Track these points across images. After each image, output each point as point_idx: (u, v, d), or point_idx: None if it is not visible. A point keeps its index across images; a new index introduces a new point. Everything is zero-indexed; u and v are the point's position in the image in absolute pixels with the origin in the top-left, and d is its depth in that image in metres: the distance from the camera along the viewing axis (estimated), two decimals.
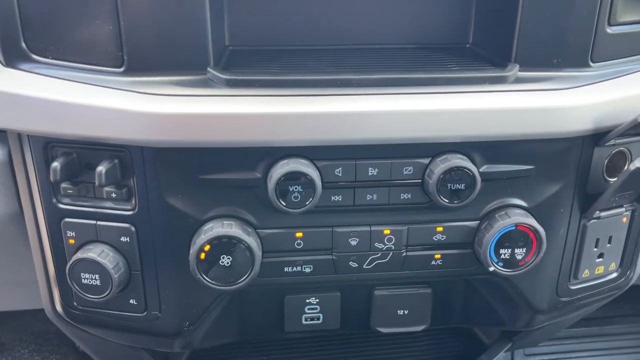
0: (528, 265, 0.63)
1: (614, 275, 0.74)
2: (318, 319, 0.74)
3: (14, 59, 0.57)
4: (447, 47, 0.69)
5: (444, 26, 0.69)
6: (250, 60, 0.62)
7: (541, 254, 0.63)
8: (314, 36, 0.67)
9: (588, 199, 0.66)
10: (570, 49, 0.61)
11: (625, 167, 0.61)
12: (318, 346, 0.99)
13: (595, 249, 0.70)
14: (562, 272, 0.70)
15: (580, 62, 0.62)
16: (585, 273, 0.71)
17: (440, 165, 0.58)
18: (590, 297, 0.75)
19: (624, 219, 0.69)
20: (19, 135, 0.60)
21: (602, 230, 0.69)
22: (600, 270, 0.72)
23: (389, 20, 0.68)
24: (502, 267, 0.63)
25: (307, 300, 0.73)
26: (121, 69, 0.56)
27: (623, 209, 0.68)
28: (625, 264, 0.74)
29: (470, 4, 0.67)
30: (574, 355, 1.36)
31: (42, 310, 0.72)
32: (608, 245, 0.70)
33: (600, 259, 0.71)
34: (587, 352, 1.35)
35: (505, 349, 0.93)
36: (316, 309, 0.74)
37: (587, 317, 1.44)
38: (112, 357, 0.84)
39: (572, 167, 0.64)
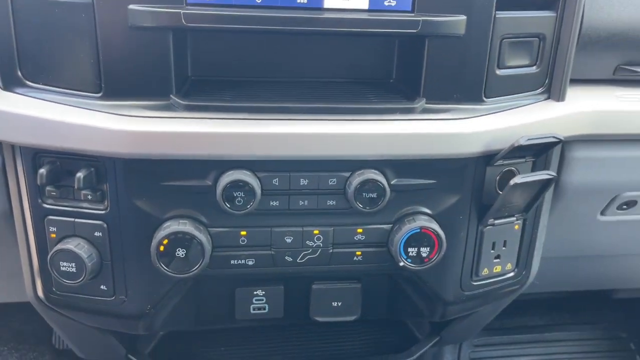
0: (431, 262, 0.77)
1: (511, 274, 0.88)
2: (264, 309, 0.88)
3: (10, 84, 0.70)
4: (374, 81, 0.83)
5: (373, 65, 0.83)
6: (208, 89, 0.76)
7: (442, 253, 0.77)
8: (265, 70, 0.80)
9: (484, 209, 0.80)
10: (467, 86, 0.76)
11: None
12: (268, 340, 1.12)
13: (492, 251, 0.84)
14: (465, 269, 0.84)
15: (476, 98, 0.77)
16: (485, 271, 0.85)
17: (357, 178, 0.72)
18: (493, 292, 0.89)
19: (516, 227, 0.84)
20: (12, 146, 0.72)
21: (497, 235, 0.83)
22: (498, 269, 0.86)
23: (329, 59, 0.81)
24: (411, 263, 0.77)
25: (255, 292, 0.87)
26: (99, 94, 0.70)
27: (514, 218, 0.83)
28: (521, 265, 0.88)
29: (393, 48, 0.81)
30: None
31: (20, 309, 0.84)
32: (504, 248, 0.85)
33: (498, 260, 0.85)
34: (528, 357, 1.49)
35: (433, 341, 1.06)
36: (262, 300, 0.87)
37: (529, 325, 1.58)
38: (84, 342, 0.96)
39: (469, 182, 0.78)
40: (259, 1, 0.69)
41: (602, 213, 0.93)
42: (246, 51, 0.79)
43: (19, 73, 0.70)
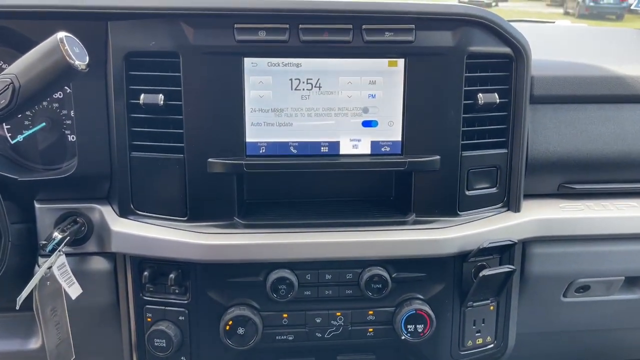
0: (426, 336, 1.03)
1: (491, 345, 1.13)
2: None
3: (125, 213, 1.02)
4: (379, 199, 1.12)
5: (378, 188, 1.12)
6: (260, 210, 1.06)
7: (433, 329, 1.03)
8: (300, 193, 1.10)
9: (464, 294, 1.07)
10: (445, 204, 1.05)
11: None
12: None
13: (473, 327, 1.09)
14: (453, 341, 1.09)
15: (452, 212, 1.05)
16: (469, 343, 1.10)
17: (367, 273, 1.01)
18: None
19: (491, 307, 1.10)
20: (124, 256, 1.03)
21: (477, 315, 1.09)
22: (479, 341, 1.11)
23: (346, 185, 1.10)
24: (410, 337, 1.03)
25: None
26: (185, 218, 1.01)
27: (489, 301, 1.09)
28: (499, 338, 1.13)
29: (391, 177, 1.11)
30: None
31: None
32: (483, 324, 1.10)
33: (479, 334, 1.10)
34: None
35: None
36: None
37: None
38: None
39: (450, 275, 1.05)
40: (295, 152, 1.01)
41: (564, 295, 1.18)
42: (286, 182, 1.10)
43: (132, 205, 1.02)
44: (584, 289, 1.18)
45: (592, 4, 19.44)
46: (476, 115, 1.03)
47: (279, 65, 0.98)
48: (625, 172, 1.11)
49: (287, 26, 0.96)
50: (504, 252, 1.07)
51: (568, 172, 1.11)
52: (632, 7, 1.69)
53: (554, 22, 2.00)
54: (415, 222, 1.04)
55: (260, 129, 1.00)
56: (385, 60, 1.00)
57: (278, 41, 0.96)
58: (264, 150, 1.01)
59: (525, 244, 1.11)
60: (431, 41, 0.99)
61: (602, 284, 1.17)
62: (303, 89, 1.00)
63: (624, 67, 1.09)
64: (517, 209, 1.08)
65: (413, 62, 0.99)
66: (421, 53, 0.99)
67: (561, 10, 19.50)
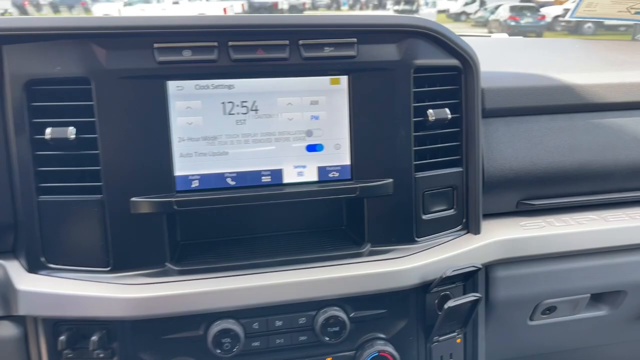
0: None
1: None
2: None
3: (35, 268, 0.86)
4: (329, 230, 1.02)
5: (328, 217, 1.02)
6: (196, 253, 0.93)
7: None
8: (240, 230, 0.98)
9: (429, 329, 0.97)
10: (401, 231, 0.96)
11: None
12: None
13: None
14: None
15: (409, 239, 0.97)
16: None
17: (322, 316, 0.89)
18: None
19: (458, 340, 1.01)
20: (35, 319, 0.87)
21: (444, 349, 1.00)
22: None
23: (292, 216, 1.00)
24: None
25: None
26: (108, 269, 0.86)
27: (455, 333, 1.00)
28: None
29: (342, 204, 1.01)
30: None
31: None
32: (450, 359, 1.01)
33: None
34: None
35: None
36: None
37: None
38: None
39: (413, 309, 0.96)
40: (232, 184, 0.90)
41: (531, 319, 1.11)
42: (225, 219, 0.98)
43: (42, 258, 0.87)
44: (551, 310, 1.11)
45: (513, 23, 20.54)
46: (428, 133, 0.96)
47: (208, 87, 0.87)
48: (583, 184, 1.06)
49: (216, 44, 0.85)
50: (467, 279, 0.99)
51: (526, 187, 1.05)
52: (566, 18, 1.69)
53: (490, 36, 2.00)
54: (371, 253, 0.94)
55: (191, 160, 0.88)
56: (327, 78, 0.91)
57: (206, 61, 0.85)
58: (196, 184, 0.89)
59: (488, 267, 1.04)
60: (375, 55, 0.91)
61: (568, 304, 1.11)
62: (238, 113, 0.89)
63: (572, 76, 1.06)
64: (477, 230, 1.01)
65: (357, 79, 0.91)
66: (365, 69, 0.90)
67: (485, 30, 20.45)
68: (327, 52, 0.89)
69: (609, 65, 1.12)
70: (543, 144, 1.04)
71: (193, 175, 0.88)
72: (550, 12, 21.03)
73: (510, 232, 1.02)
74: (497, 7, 22.53)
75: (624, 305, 1.14)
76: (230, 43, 0.85)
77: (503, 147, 1.03)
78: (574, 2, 1.64)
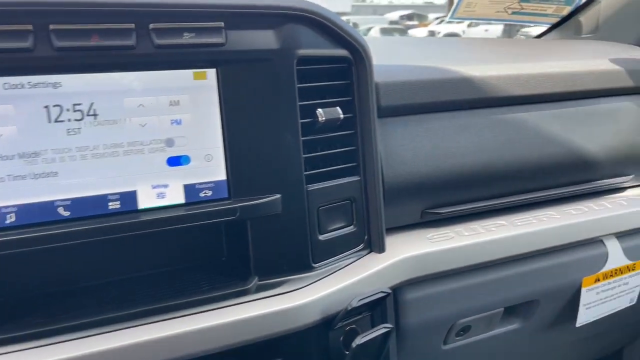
0: None
1: None
2: None
3: None
4: (206, 263, 0.82)
5: (203, 247, 0.82)
6: (19, 311, 0.69)
7: None
8: (82, 275, 0.75)
9: None
10: (295, 257, 0.79)
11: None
12: None
13: None
14: None
15: (305, 266, 0.80)
16: None
17: None
18: None
19: None
20: None
21: None
22: None
23: (155, 250, 0.78)
24: None
25: None
26: None
27: None
28: None
29: (220, 229, 0.82)
30: None
31: None
32: None
33: None
34: None
35: None
36: None
37: None
38: None
39: (314, 352, 0.78)
40: (66, 214, 0.67)
41: (445, 342, 0.98)
42: (60, 262, 0.74)
43: None
44: (465, 330, 0.99)
45: None
46: (318, 137, 0.80)
47: (23, 86, 0.64)
48: (489, 186, 0.96)
49: (30, 27, 0.63)
50: (375, 307, 0.84)
51: (430, 195, 0.92)
52: (447, 19, 1.64)
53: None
54: (260, 289, 0.76)
55: (4, 186, 0.64)
56: (189, 72, 0.72)
57: (16, 50, 0.62)
58: (12, 219, 0.65)
59: (397, 290, 0.90)
60: (248, 43, 0.73)
61: (483, 321, 1.00)
62: (68, 120, 0.66)
63: (471, 68, 0.96)
64: (381, 248, 0.86)
65: (228, 72, 0.72)
66: (237, 59, 0.73)
67: None
68: (187, 38, 0.70)
69: (505, 57, 1.05)
70: (445, 145, 0.92)
71: (7, 206, 0.64)
72: (416, 33, 22.42)
73: (417, 247, 0.89)
74: (368, 30, 23.55)
75: (537, 316, 1.05)
76: (52, 27, 0.63)
77: (403, 150, 0.90)
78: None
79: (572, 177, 1.04)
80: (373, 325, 0.84)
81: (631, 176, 1.10)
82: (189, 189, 0.73)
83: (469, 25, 16.36)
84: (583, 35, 1.53)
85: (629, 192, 1.12)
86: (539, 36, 1.73)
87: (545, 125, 0.99)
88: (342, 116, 0.80)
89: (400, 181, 0.89)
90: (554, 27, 1.65)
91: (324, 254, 0.81)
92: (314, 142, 0.80)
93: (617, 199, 1.08)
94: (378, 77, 0.87)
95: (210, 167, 0.74)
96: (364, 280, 0.82)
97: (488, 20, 1.62)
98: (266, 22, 0.74)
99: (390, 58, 0.97)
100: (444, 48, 1.14)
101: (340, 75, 0.82)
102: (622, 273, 1.09)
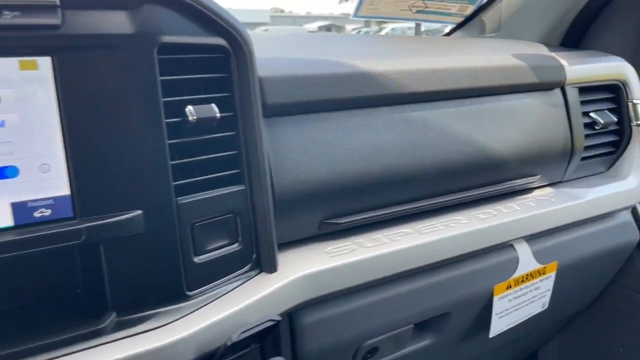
0: None
1: None
2: None
3: None
4: (57, 298, 0.67)
5: (51, 278, 0.66)
6: None
7: None
8: None
9: None
10: (163, 285, 0.65)
11: None
12: None
13: None
14: None
15: (177, 295, 0.66)
16: None
17: None
18: None
19: None
20: None
21: None
22: None
23: None
24: None
25: None
26: None
27: None
28: None
29: (72, 254, 0.67)
30: None
31: None
32: None
33: None
34: None
35: None
36: None
37: None
38: None
39: None
40: None
41: None
42: None
43: None
44: (372, 352, 0.90)
45: None
46: (190, 140, 0.67)
47: None
48: (393, 191, 0.88)
49: None
50: (265, 337, 0.72)
51: (328, 203, 0.82)
52: (350, 17, 1.57)
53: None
54: (118, 327, 0.62)
55: None
56: (14, 61, 0.57)
57: None
58: None
59: (292, 314, 0.78)
60: (93, 26, 0.59)
61: (391, 340, 0.90)
62: None
63: (369, 63, 0.86)
64: (272, 267, 0.75)
65: (67, 62, 0.58)
66: (78, 46, 0.59)
67: None
68: (9, 18, 0.55)
69: (405, 53, 0.97)
70: (343, 147, 0.82)
71: None
72: None
73: (315, 264, 0.78)
74: None
75: (449, 329, 0.98)
76: None
77: (295, 154, 0.79)
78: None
79: (479, 179, 0.97)
80: (264, 358, 0.72)
81: (538, 176, 1.06)
82: (19, 208, 0.58)
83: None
84: (487, 35, 1.51)
85: (536, 193, 1.08)
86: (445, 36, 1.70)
87: (449, 124, 0.92)
88: (218, 115, 0.68)
89: (293, 189, 0.78)
90: (459, 26, 1.62)
91: (201, 279, 0.69)
92: (185, 146, 0.67)
93: (525, 200, 1.03)
94: (263, 71, 0.75)
95: (48, 179, 0.59)
96: (251, 306, 0.70)
97: (392, 18, 1.56)
98: (117, 1, 0.61)
99: (279, 52, 0.86)
100: (341, 43, 1.05)
101: (217, 68, 0.70)
102: (533, 278, 1.04)
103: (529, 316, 1.08)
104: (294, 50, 0.90)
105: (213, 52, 0.69)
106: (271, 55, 0.81)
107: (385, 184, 0.86)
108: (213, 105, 0.68)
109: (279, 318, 0.68)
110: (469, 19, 1.58)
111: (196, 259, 0.68)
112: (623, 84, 1.17)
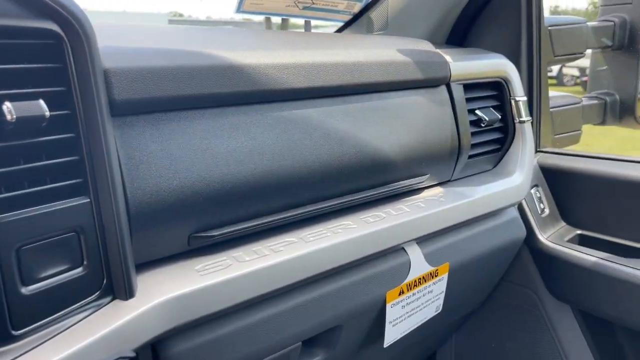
0: None
1: None
2: None
3: None
4: None
5: None
6: None
7: None
8: None
9: None
10: None
11: None
12: None
13: None
14: None
15: (1, 336, 0.54)
16: None
17: None
18: None
19: None
20: None
21: None
22: None
23: None
24: None
25: None
26: None
27: None
28: None
29: None
30: None
31: None
32: None
33: None
34: None
35: None
36: None
37: None
38: None
39: None
40: None
41: None
42: None
43: None
44: None
45: None
46: (10, 144, 0.55)
47: None
48: (273, 198, 0.79)
49: None
50: None
51: (198, 214, 0.72)
52: (233, 13, 1.48)
53: None
54: None
55: None
56: None
57: None
58: None
59: (156, 344, 0.67)
60: None
61: None
62: None
63: (244, 55, 0.77)
64: (129, 293, 0.63)
65: None
66: None
67: None
68: None
69: (284, 45, 0.89)
70: (213, 150, 0.73)
71: None
72: None
73: (182, 285, 0.68)
74: None
75: (341, 344, 0.91)
76: None
77: (155, 158, 0.68)
78: None
79: (366, 180, 0.92)
80: None
81: (427, 176, 1.02)
82: None
83: None
84: (375, 33, 1.48)
85: (425, 193, 1.04)
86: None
87: (333, 123, 0.86)
88: (48, 113, 0.56)
89: (153, 200, 0.67)
90: (347, 24, 1.57)
91: (33, 313, 0.56)
92: (5, 151, 0.54)
93: (415, 201, 1.00)
94: (109, 62, 0.64)
95: None
96: (100, 341, 0.58)
97: (278, 15, 1.49)
98: None
99: (130, 41, 0.75)
100: (211, 34, 0.95)
101: (47, 58, 0.58)
102: (425, 281, 1.00)
103: (424, 321, 1.04)
104: (149, 40, 0.79)
105: (41, 37, 0.57)
106: (120, 45, 0.70)
107: (264, 190, 0.77)
108: (40, 101, 0.56)
109: (131, 354, 0.57)
110: (357, 16, 1.54)
111: (24, 290, 0.55)
112: (505, 81, 1.18)
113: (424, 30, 1.34)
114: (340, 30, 1.61)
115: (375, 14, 1.48)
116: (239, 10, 1.43)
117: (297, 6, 1.49)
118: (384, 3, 1.45)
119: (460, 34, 1.38)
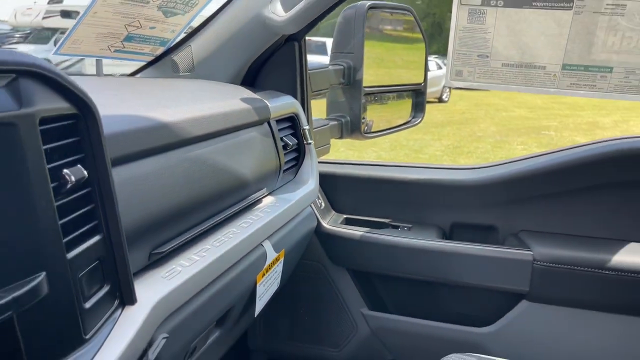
0: None
1: None
2: None
3: None
4: None
5: None
6: None
7: None
8: None
9: None
10: (67, 335, 0.71)
11: None
12: None
13: None
14: None
15: (79, 341, 0.73)
16: None
17: None
18: None
19: None
20: None
21: None
22: None
23: None
24: None
25: None
26: None
27: None
28: None
29: None
30: None
31: None
32: None
33: None
34: None
35: None
36: None
37: None
38: None
39: None
40: None
41: None
42: None
43: None
44: (194, 352, 1.08)
45: None
46: (69, 199, 0.74)
47: None
48: (192, 215, 1.07)
49: None
50: None
51: (155, 235, 0.96)
52: (50, 55, 1.58)
53: None
54: None
55: None
56: None
57: None
58: None
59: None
60: None
61: (203, 339, 1.10)
62: None
63: (168, 113, 1.04)
64: (134, 300, 0.86)
65: None
66: None
67: None
68: None
69: (182, 101, 1.16)
70: (157, 187, 0.98)
71: None
72: None
73: (162, 288, 0.92)
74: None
75: (231, 318, 1.23)
76: None
77: (126, 197, 0.91)
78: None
79: (236, 196, 1.26)
80: None
81: (265, 189, 1.41)
82: None
83: None
84: (181, 73, 1.77)
85: (264, 202, 1.43)
86: (134, 73, 1.87)
87: (211, 158, 1.17)
88: (86, 174, 0.76)
89: (134, 228, 0.90)
90: (149, 64, 1.82)
91: (91, 322, 0.76)
92: (67, 205, 0.73)
93: (262, 208, 1.37)
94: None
95: None
96: (137, 334, 0.81)
97: (92, 56, 1.65)
98: None
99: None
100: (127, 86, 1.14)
101: (73, 133, 0.77)
102: (274, 264, 1.39)
103: (271, 295, 1.43)
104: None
105: (69, 119, 0.76)
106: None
107: (190, 210, 1.05)
108: (79, 166, 0.76)
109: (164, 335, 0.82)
110: (158, 58, 1.80)
111: (86, 304, 0.75)
112: (296, 116, 1.64)
113: (227, 74, 1.70)
114: (142, 68, 1.84)
115: (179, 57, 1.77)
116: (57, 52, 1.56)
117: (110, 50, 1.69)
118: (186, 48, 1.75)
119: (252, 77, 1.78)
